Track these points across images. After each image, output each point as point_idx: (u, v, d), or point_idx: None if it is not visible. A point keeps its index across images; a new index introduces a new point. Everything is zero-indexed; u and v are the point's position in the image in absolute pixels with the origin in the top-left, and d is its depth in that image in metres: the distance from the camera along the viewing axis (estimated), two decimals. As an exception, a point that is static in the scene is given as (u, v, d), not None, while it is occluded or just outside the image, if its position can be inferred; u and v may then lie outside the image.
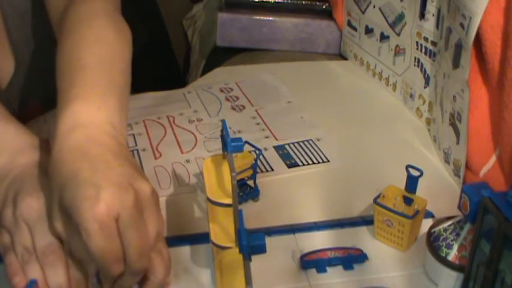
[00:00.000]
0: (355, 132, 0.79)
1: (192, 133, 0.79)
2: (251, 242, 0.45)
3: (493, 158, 0.64)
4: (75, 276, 0.51)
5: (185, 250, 0.58)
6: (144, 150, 0.75)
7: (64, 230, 0.48)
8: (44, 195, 0.51)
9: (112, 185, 0.46)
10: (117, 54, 0.61)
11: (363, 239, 0.59)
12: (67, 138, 0.50)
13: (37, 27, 0.77)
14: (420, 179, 0.56)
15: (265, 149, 0.74)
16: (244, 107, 0.85)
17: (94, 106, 0.53)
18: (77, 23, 0.62)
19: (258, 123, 0.81)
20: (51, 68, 0.61)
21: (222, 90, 0.91)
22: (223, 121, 0.51)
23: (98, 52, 0.59)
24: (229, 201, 0.48)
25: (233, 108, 0.85)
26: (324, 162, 0.72)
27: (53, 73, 0.60)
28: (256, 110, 0.84)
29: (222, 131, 0.52)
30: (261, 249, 0.46)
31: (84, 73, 0.56)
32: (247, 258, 0.45)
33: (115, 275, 0.46)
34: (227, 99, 0.88)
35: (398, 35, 0.85)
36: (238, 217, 0.46)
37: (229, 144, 0.47)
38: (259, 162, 0.68)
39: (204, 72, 1.08)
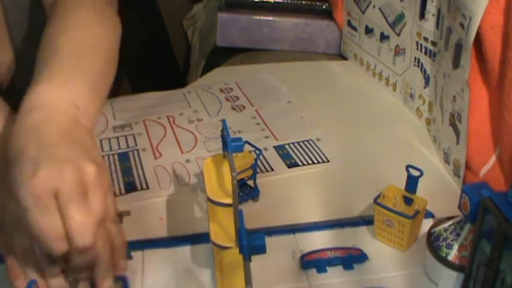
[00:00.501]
0: (355, 132, 0.79)
1: (192, 133, 0.79)
2: (251, 242, 0.45)
3: (493, 158, 0.64)
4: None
5: (185, 250, 0.58)
6: (144, 150, 0.75)
7: (17, 211, 0.48)
8: None
9: (52, 161, 0.46)
10: (98, 41, 0.62)
11: (363, 239, 0.59)
12: (25, 118, 0.50)
13: (37, 23, 0.76)
14: (420, 179, 0.56)
15: (265, 149, 0.74)
16: (244, 107, 0.85)
17: (58, 87, 0.53)
18: (63, 11, 0.63)
19: (258, 123, 0.81)
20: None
21: (222, 90, 0.91)
22: (223, 121, 0.51)
23: (76, 38, 0.60)
24: (229, 201, 0.48)
25: (233, 108, 0.85)
26: (324, 162, 0.72)
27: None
28: (256, 110, 0.84)
29: (222, 130, 0.52)
30: (261, 249, 0.46)
31: (56, 57, 0.57)
32: (247, 259, 0.45)
33: (59, 253, 0.46)
34: (227, 99, 0.88)
35: (398, 35, 0.85)
36: (238, 217, 0.46)
37: (230, 144, 0.47)
38: (259, 162, 0.68)
39: (204, 72, 1.08)
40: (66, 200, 0.45)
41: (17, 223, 0.51)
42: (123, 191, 0.67)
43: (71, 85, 0.54)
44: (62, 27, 0.61)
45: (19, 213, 0.47)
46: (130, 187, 0.67)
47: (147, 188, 0.67)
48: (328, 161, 0.72)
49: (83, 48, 0.59)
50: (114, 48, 0.65)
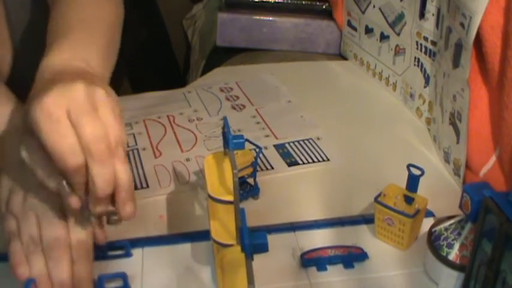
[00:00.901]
0: (356, 132, 0.79)
1: (192, 132, 0.79)
2: (253, 241, 0.45)
3: (493, 158, 0.64)
4: (78, 273, 0.51)
5: (185, 247, 0.58)
6: (144, 149, 0.75)
7: (29, 156, 0.49)
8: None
9: (62, 85, 0.47)
10: (105, 15, 0.65)
11: (363, 237, 0.59)
12: (42, 78, 0.52)
13: (38, 19, 0.78)
14: (420, 179, 0.56)
15: (266, 148, 0.74)
16: (244, 106, 0.85)
17: (69, 51, 0.56)
18: None
19: (258, 122, 0.81)
20: None
21: (222, 90, 0.91)
22: (224, 118, 0.51)
23: (83, 12, 0.62)
24: (230, 198, 0.47)
25: (233, 108, 0.85)
26: (324, 161, 0.72)
27: None
28: (256, 109, 0.84)
29: (223, 128, 0.52)
30: (263, 248, 0.46)
31: (65, 29, 0.59)
32: (249, 257, 0.45)
33: (74, 169, 0.46)
34: (227, 99, 0.88)
35: (398, 34, 0.85)
36: (239, 214, 0.46)
37: (231, 141, 0.47)
38: (259, 160, 0.68)
39: (204, 72, 1.08)
40: (77, 113, 0.46)
41: (25, 210, 0.51)
42: (123, 190, 0.67)
43: (81, 49, 0.57)
44: (69, 3, 0.63)
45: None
46: (131, 186, 0.67)
47: (147, 186, 0.67)
48: (329, 159, 0.72)
49: (91, 21, 0.61)
50: (119, 23, 0.68)
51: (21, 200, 0.52)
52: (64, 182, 0.48)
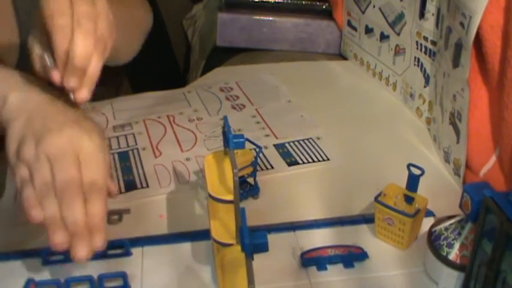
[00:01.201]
0: (356, 132, 0.79)
1: (192, 132, 0.79)
2: (254, 241, 0.45)
3: (493, 158, 0.64)
4: (91, 212, 0.50)
5: (186, 247, 0.58)
6: (144, 149, 0.75)
7: (39, 43, 0.55)
8: (66, 130, 0.52)
9: None
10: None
11: (363, 237, 0.59)
12: None
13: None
14: (420, 178, 0.56)
15: (266, 147, 0.74)
16: (244, 106, 0.85)
17: None
18: None
19: (258, 122, 0.81)
20: None
21: (222, 90, 0.91)
22: (225, 117, 0.51)
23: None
24: (230, 197, 0.47)
25: (233, 108, 0.85)
26: (324, 160, 0.72)
27: None
28: (256, 109, 0.84)
29: (223, 127, 0.52)
30: (264, 247, 0.46)
31: None
32: (249, 257, 0.45)
33: (59, 26, 0.52)
34: (227, 99, 0.88)
35: (398, 34, 0.85)
36: (239, 214, 0.46)
37: (231, 141, 0.47)
38: (259, 160, 0.68)
39: (204, 72, 1.08)
40: None
41: (37, 155, 0.51)
42: (123, 190, 0.67)
43: None
44: None
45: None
46: (130, 186, 0.67)
47: (147, 186, 0.67)
48: (329, 159, 0.72)
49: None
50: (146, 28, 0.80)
51: (33, 146, 0.52)
52: (46, 55, 0.54)
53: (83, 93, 0.55)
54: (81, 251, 0.49)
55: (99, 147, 0.54)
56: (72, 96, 0.55)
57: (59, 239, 0.49)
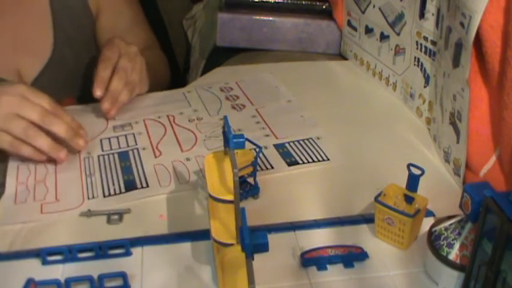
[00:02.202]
0: (356, 132, 0.79)
1: (192, 132, 0.79)
2: (254, 241, 0.45)
3: (493, 158, 0.64)
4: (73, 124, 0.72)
5: (186, 247, 0.58)
6: (144, 149, 0.75)
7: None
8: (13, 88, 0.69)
9: None
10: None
11: (363, 237, 0.59)
12: None
13: (75, 32, 0.97)
14: (420, 178, 0.56)
15: (266, 147, 0.74)
16: (244, 106, 0.85)
17: None
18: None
19: (258, 122, 0.81)
20: (87, 69, 0.95)
21: (222, 90, 0.91)
22: (225, 117, 0.51)
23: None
24: (230, 197, 0.47)
25: (233, 107, 0.85)
26: (324, 160, 0.72)
27: (88, 73, 0.90)
28: (256, 109, 0.84)
29: (223, 127, 0.52)
30: (264, 247, 0.46)
31: None
32: (249, 257, 0.45)
33: (103, 69, 0.79)
34: (227, 99, 0.88)
35: (398, 34, 0.85)
36: (240, 214, 0.46)
37: (231, 141, 0.47)
38: (259, 160, 0.68)
39: (204, 72, 1.08)
40: None
41: (6, 115, 0.67)
42: (123, 189, 0.67)
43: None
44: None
45: None
46: (131, 185, 0.67)
47: (147, 186, 0.67)
48: (329, 159, 0.72)
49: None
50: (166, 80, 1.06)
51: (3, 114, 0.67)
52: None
53: (112, 113, 0.80)
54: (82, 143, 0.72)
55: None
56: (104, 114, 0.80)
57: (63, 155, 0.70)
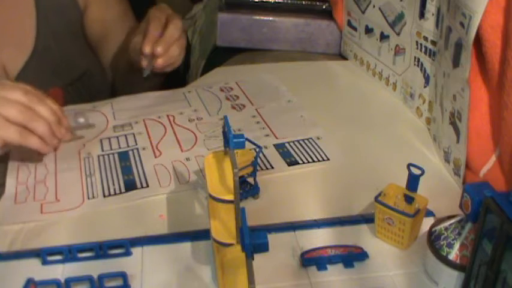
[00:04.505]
0: (356, 132, 0.79)
1: (192, 132, 0.79)
2: (254, 241, 0.45)
3: (493, 158, 0.64)
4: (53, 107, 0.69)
5: (186, 247, 0.58)
6: (144, 149, 0.75)
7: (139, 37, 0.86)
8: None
9: None
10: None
11: (363, 237, 0.59)
12: None
13: (61, 24, 0.96)
14: (420, 178, 0.56)
15: (265, 147, 0.74)
16: (244, 106, 0.85)
17: None
18: None
19: (258, 122, 0.81)
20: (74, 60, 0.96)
21: (222, 90, 0.91)
22: (225, 117, 0.51)
23: None
24: (230, 197, 0.47)
25: (233, 107, 0.85)
26: (324, 160, 0.72)
27: (75, 61, 0.96)
28: (256, 109, 0.84)
29: (223, 127, 0.52)
30: (264, 247, 0.46)
31: None
32: (249, 257, 0.45)
33: (153, 31, 0.84)
34: (227, 99, 0.88)
35: (398, 34, 0.85)
36: (240, 214, 0.46)
37: (232, 140, 0.47)
38: (259, 160, 0.68)
39: (204, 72, 1.08)
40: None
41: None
42: (123, 189, 0.67)
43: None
44: None
45: None
46: (131, 185, 0.67)
47: (147, 186, 0.67)
48: (329, 159, 0.72)
49: None
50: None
51: None
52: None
53: (160, 61, 0.84)
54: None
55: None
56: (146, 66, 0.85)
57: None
